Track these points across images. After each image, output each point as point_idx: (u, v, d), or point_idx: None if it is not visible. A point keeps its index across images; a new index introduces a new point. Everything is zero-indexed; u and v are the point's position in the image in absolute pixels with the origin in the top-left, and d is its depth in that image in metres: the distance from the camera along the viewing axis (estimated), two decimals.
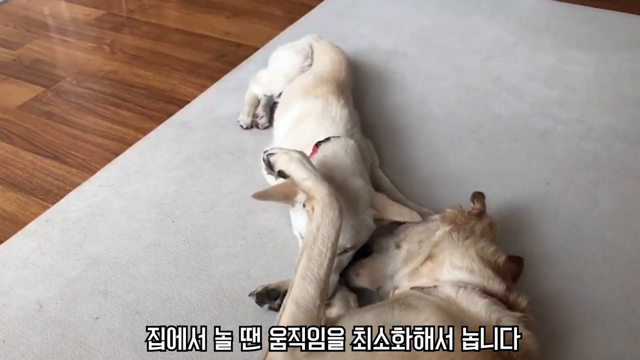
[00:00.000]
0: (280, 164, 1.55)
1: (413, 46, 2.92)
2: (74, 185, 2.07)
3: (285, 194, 1.56)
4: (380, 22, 3.13)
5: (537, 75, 2.69)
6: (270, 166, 1.59)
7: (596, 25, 3.11)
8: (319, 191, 1.44)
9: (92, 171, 2.13)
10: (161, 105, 2.51)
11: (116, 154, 2.22)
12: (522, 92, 2.57)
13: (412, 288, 1.43)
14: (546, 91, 2.58)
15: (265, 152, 1.61)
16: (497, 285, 1.37)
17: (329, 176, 1.58)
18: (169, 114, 2.44)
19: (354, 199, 1.61)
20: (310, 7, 3.28)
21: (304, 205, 1.54)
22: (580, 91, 2.58)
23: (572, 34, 3.02)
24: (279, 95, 2.31)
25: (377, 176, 1.98)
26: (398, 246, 1.63)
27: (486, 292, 1.34)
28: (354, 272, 1.65)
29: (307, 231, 1.40)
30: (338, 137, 1.81)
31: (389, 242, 1.66)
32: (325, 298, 1.33)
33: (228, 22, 3.16)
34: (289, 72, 2.30)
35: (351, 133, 1.91)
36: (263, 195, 1.59)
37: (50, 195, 2.04)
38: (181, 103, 2.52)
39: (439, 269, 1.43)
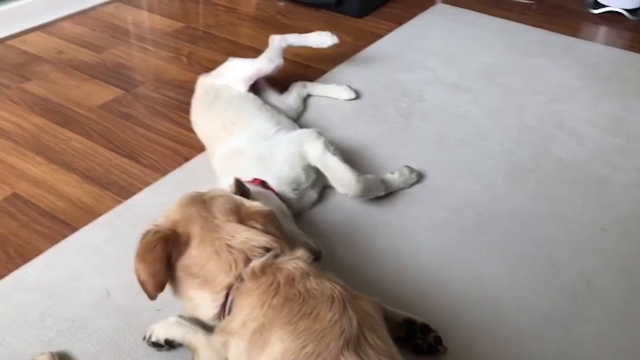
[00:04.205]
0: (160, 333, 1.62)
1: (477, 82, 2.97)
2: (146, 184, 2.20)
3: None
4: (446, 56, 3.20)
5: (599, 122, 2.70)
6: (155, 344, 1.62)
7: None
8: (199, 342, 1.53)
9: (164, 172, 2.26)
10: None
11: (187, 158, 2.34)
12: (583, 137, 2.58)
13: None
14: (608, 138, 2.58)
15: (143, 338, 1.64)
16: None
17: None
18: None
19: None
20: (379, 36, 3.37)
21: None
22: None
23: (639, 84, 3.01)
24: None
25: None
26: None
27: None
28: None
29: None
30: None
31: None
32: None
33: None
34: None
35: None
36: None
37: (124, 191, 2.17)
38: None
39: None
